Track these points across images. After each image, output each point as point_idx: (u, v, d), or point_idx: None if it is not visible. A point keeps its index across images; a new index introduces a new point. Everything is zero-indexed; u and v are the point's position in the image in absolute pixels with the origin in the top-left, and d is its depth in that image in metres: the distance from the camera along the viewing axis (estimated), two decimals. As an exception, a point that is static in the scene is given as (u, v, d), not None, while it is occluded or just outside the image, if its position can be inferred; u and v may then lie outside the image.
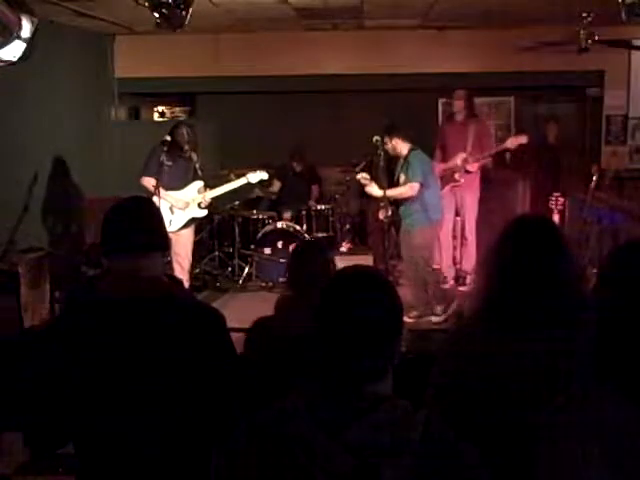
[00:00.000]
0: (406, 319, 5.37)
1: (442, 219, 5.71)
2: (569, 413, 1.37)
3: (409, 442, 1.24)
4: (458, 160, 6.30)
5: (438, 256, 6.90)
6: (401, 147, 5.54)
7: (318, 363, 1.32)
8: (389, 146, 5.57)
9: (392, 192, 5.50)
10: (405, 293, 5.52)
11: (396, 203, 5.58)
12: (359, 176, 5.80)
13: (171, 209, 5.65)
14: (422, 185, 5.38)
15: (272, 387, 1.39)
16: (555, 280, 1.77)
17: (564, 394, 1.47)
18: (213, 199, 5.93)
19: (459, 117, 6.42)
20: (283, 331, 2.36)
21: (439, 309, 5.59)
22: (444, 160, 6.49)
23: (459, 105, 6.39)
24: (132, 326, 1.82)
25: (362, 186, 5.84)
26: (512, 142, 6.21)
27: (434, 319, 5.53)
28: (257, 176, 6.15)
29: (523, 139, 6.16)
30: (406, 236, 5.55)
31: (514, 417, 1.70)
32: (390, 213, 5.69)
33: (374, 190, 5.61)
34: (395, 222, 5.73)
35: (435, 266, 7.06)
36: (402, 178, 5.52)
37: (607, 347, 1.37)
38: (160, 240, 1.99)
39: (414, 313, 5.50)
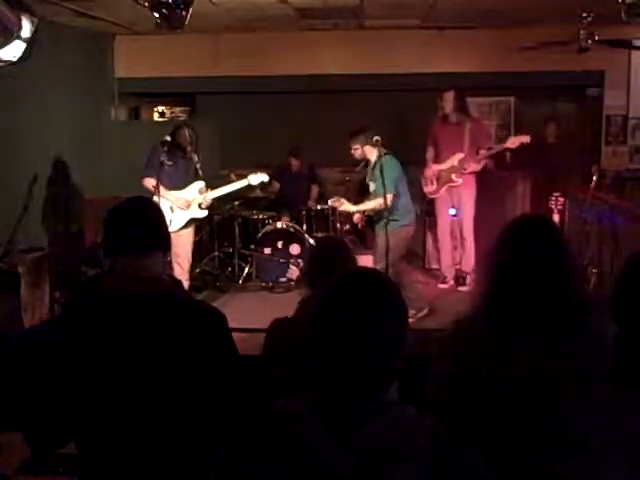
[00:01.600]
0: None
1: (413, 223, 5.57)
2: (590, 413, 1.37)
3: (415, 446, 1.23)
4: (455, 161, 6.29)
5: (437, 256, 6.91)
6: (370, 153, 5.38)
7: (322, 366, 1.31)
8: (358, 152, 5.43)
9: (365, 207, 5.46)
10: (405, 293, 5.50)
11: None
12: (330, 202, 5.76)
13: (171, 209, 5.65)
14: (394, 195, 5.24)
15: (292, 388, 1.37)
16: (555, 279, 1.77)
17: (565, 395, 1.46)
18: (213, 200, 5.93)
19: (452, 118, 6.38)
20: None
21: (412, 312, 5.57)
22: (439, 161, 6.47)
23: (449, 107, 6.35)
24: (133, 325, 1.82)
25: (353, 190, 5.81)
26: (513, 142, 6.17)
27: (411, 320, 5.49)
28: (258, 178, 6.13)
29: (525, 138, 6.12)
30: (378, 240, 5.43)
31: (514, 417, 1.70)
32: (363, 222, 5.75)
33: (348, 207, 5.58)
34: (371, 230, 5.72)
35: (434, 266, 7.09)
36: (372, 186, 5.42)
37: (628, 355, 1.38)
38: (162, 240, 1.99)
39: (412, 312, 5.50)
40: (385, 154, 5.27)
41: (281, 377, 2.25)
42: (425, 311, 5.60)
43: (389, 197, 5.16)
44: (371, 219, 5.61)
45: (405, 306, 1.36)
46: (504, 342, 1.75)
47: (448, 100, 6.32)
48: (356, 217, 5.77)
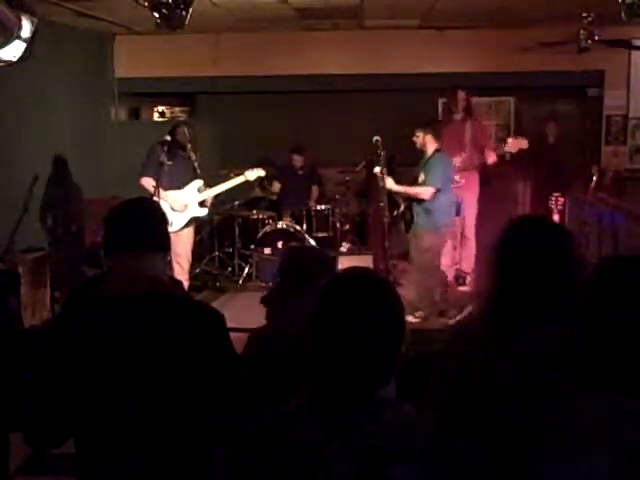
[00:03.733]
0: (411, 319, 5.39)
1: (449, 224, 5.65)
2: (568, 413, 1.37)
3: (415, 446, 1.23)
4: (457, 161, 6.29)
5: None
6: (430, 145, 5.49)
7: (321, 367, 1.31)
8: (419, 139, 5.52)
9: (408, 189, 5.51)
10: (409, 293, 5.52)
11: (409, 200, 5.56)
12: (376, 170, 5.74)
13: (172, 208, 5.65)
14: (438, 190, 5.35)
15: (285, 390, 1.37)
16: (557, 280, 1.78)
17: (563, 395, 1.47)
18: (213, 199, 5.95)
19: (457, 117, 6.40)
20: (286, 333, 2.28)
21: (452, 312, 5.57)
22: None
23: (462, 106, 6.38)
24: (132, 325, 1.82)
25: (365, 184, 5.79)
26: (511, 146, 6.17)
27: (450, 322, 5.47)
28: (255, 173, 6.17)
29: (523, 144, 6.12)
30: (413, 237, 5.56)
31: (515, 417, 1.70)
32: (401, 210, 5.68)
33: (389, 183, 5.59)
34: (406, 221, 5.69)
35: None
36: (421, 177, 5.48)
37: (597, 353, 1.38)
38: (162, 240, 2.00)
39: (419, 313, 5.49)
40: (441, 151, 5.47)
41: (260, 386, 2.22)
42: (465, 313, 5.59)
43: (431, 190, 5.32)
44: (410, 214, 5.60)
45: (402, 305, 1.36)
46: (505, 342, 1.76)
47: (462, 99, 6.36)
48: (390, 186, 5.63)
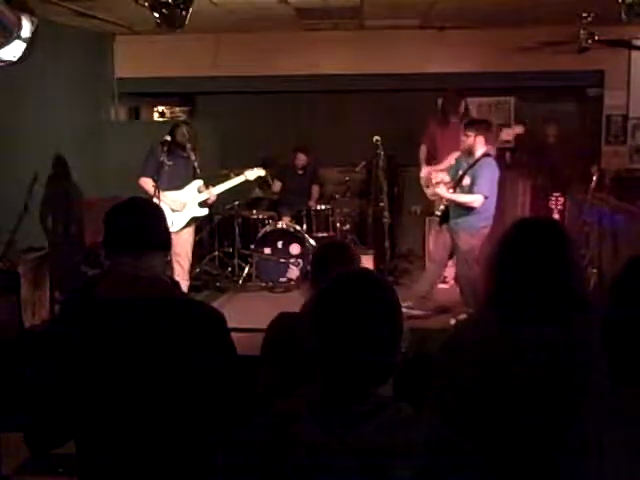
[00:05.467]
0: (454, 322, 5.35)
1: (488, 225, 5.45)
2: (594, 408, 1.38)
3: (412, 445, 1.23)
4: (453, 160, 6.28)
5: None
6: (479, 147, 5.33)
7: (319, 366, 1.31)
8: (469, 140, 5.33)
9: (456, 197, 5.36)
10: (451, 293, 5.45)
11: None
12: (439, 177, 5.58)
13: (171, 210, 5.65)
14: (485, 198, 5.23)
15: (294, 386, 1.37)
16: (556, 282, 1.78)
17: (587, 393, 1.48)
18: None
19: (455, 119, 6.38)
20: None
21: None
22: (435, 162, 6.45)
23: (462, 107, 6.37)
24: (133, 326, 1.82)
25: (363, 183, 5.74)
26: (507, 133, 6.12)
27: (451, 321, 5.37)
28: (254, 173, 6.17)
29: (519, 129, 6.06)
30: (453, 236, 5.47)
31: (514, 415, 1.70)
32: (441, 211, 5.61)
33: (441, 190, 5.47)
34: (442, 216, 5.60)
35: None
36: (467, 180, 5.34)
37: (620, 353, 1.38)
38: (162, 240, 1.99)
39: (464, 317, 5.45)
40: (489, 156, 5.29)
41: (277, 374, 2.26)
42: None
43: (480, 199, 5.19)
44: (446, 214, 5.53)
45: (399, 305, 1.36)
46: (505, 342, 1.76)
47: (461, 102, 6.34)
48: (442, 205, 5.60)
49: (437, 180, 5.52)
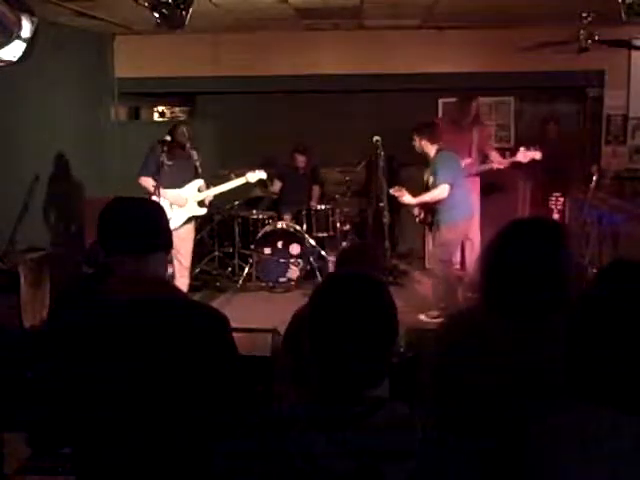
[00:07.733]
0: (423, 318, 5.39)
1: (468, 217, 5.63)
2: (552, 416, 1.37)
3: (409, 445, 1.24)
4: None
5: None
6: (429, 148, 5.49)
7: (315, 367, 1.31)
8: (417, 144, 5.54)
9: (425, 197, 5.50)
10: (425, 291, 5.52)
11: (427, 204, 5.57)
12: (391, 191, 5.73)
13: (171, 206, 5.65)
14: (452, 185, 5.35)
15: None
16: (552, 275, 1.79)
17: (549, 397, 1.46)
18: (213, 199, 5.95)
19: (464, 122, 6.36)
20: None
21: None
22: None
23: (475, 110, 6.37)
24: (134, 327, 1.81)
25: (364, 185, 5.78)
26: (524, 156, 6.10)
27: (422, 317, 5.49)
28: (256, 175, 6.16)
29: (537, 155, 6.06)
30: (436, 233, 5.60)
31: (511, 410, 1.70)
32: (422, 215, 5.72)
33: (407, 199, 5.60)
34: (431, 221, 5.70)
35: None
36: (431, 180, 5.48)
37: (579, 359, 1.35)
38: (164, 240, 1.98)
39: (432, 312, 5.49)
40: (443, 150, 5.44)
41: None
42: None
43: (445, 188, 5.31)
44: (432, 216, 5.63)
45: (394, 306, 1.37)
46: (501, 336, 1.77)
47: (475, 107, 6.36)
48: (416, 211, 5.80)
49: (402, 195, 5.62)
